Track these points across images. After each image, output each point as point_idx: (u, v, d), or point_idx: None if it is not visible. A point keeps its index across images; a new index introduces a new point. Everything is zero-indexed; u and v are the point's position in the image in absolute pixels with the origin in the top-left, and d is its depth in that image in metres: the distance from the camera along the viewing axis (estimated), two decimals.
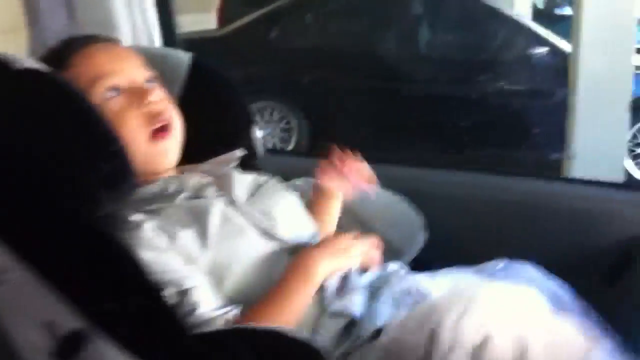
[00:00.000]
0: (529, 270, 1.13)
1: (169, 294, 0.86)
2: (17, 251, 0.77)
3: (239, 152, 1.12)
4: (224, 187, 1.02)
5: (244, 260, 0.94)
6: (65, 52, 0.99)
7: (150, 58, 1.12)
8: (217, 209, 0.96)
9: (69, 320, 0.76)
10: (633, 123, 3.61)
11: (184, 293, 0.87)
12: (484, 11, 4.91)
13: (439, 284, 1.07)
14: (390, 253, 1.24)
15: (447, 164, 3.97)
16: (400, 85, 4.68)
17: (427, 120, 4.53)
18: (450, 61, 4.84)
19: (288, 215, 1.04)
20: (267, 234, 0.99)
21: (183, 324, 0.80)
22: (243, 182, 1.07)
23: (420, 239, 1.28)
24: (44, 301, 0.76)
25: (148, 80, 1.02)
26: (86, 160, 0.82)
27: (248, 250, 0.95)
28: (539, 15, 6.29)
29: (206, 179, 1.02)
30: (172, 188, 0.98)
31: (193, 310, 0.86)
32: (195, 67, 1.21)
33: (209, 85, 1.20)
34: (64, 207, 0.80)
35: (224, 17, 5.80)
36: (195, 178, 1.01)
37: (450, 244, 1.25)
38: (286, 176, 1.36)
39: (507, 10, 5.18)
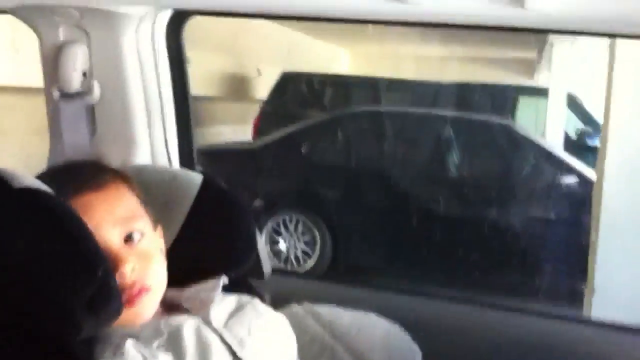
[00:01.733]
0: None
1: None
2: None
3: (224, 279, 1.11)
4: (201, 310, 1.02)
5: None
6: None
7: (161, 179, 1.17)
8: (191, 328, 0.96)
9: None
10: None
11: None
12: (515, 138, 4.98)
13: None
14: None
15: (452, 293, 3.91)
16: (426, 207, 4.70)
17: (449, 242, 4.52)
18: (478, 185, 4.88)
19: (261, 342, 1.03)
20: (237, 358, 0.98)
21: None
22: (224, 304, 1.06)
23: None
24: None
25: (130, 234, 0.99)
26: (70, 283, 0.83)
27: None
28: (571, 145, 6.36)
29: (183, 318, 1.01)
30: (147, 333, 0.96)
31: None
32: (206, 188, 1.23)
33: (216, 206, 1.22)
34: (45, 328, 0.81)
35: (260, 130, 5.98)
36: (174, 322, 0.99)
37: None
38: (291, 298, 1.36)
39: (539, 139, 5.25)
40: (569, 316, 1.88)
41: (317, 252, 4.78)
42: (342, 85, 6.70)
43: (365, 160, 5.16)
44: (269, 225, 4.83)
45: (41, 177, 1.01)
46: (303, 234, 4.82)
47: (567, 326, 1.48)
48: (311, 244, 4.80)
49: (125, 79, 1.35)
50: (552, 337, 1.40)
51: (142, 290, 0.97)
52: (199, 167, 1.57)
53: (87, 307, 0.83)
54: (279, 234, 4.82)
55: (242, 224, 1.25)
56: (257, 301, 1.11)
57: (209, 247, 1.13)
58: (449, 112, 5.38)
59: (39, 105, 1.44)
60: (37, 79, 1.40)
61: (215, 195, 1.24)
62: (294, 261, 4.79)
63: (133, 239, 0.98)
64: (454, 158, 5.01)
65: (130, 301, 0.95)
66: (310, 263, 4.78)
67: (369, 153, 5.19)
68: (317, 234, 4.79)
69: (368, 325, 1.29)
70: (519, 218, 4.58)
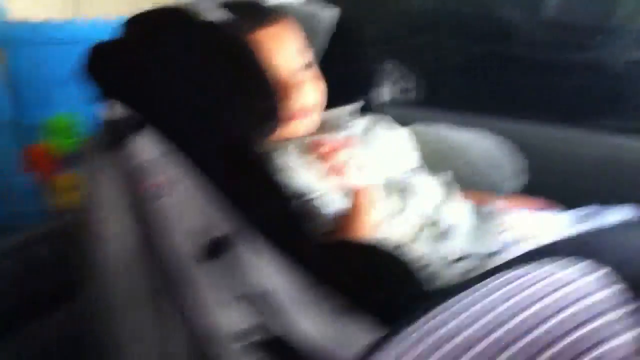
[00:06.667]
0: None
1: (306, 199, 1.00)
2: (188, 164, 0.91)
3: (359, 104, 1.30)
4: (340, 129, 1.21)
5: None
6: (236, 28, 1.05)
7: (303, 15, 1.27)
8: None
9: (219, 227, 0.87)
10: None
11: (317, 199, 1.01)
12: None
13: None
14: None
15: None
16: (520, 50, 4.60)
17: (546, 89, 4.44)
18: (578, 27, 4.67)
19: (393, 149, 1.22)
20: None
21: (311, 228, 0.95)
22: (361, 122, 1.26)
23: (519, 180, 1.39)
24: (202, 210, 0.88)
25: (309, 62, 1.15)
26: (246, 98, 0.96)
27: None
28: None
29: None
30: (305, 143, 1.13)
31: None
32: (339, 23, 1.35)
33: (345, 42, 1.35)
34: (229, 134, 0.95)
35: None
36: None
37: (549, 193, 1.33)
38: (407, 124, 1.46)
39: None
40: None
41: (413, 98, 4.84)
42: None
43: (455, 2, 5.01)
44: None
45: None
46: (398, 81, 4.85)
47: None
48: (406, 91, 4.85)
49: None
50: None
51: (316, 105, 1.18)
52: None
53: (258, 118, 1.00)
54: None
55: (366, 56, 1.39)
56: (388, 117, 1.31)
57: (339, 76, 1.27)
58: None
59: None
60: None
61: (344, 30, 1.37)
62: None
63: (311, 65, 1.18)
64: None
65: (302, 115, 1.14)
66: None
67: None
68: (410, 81, 4.81)
69: (481, 139, 1.44)
70: (626, 60, 4.39)
